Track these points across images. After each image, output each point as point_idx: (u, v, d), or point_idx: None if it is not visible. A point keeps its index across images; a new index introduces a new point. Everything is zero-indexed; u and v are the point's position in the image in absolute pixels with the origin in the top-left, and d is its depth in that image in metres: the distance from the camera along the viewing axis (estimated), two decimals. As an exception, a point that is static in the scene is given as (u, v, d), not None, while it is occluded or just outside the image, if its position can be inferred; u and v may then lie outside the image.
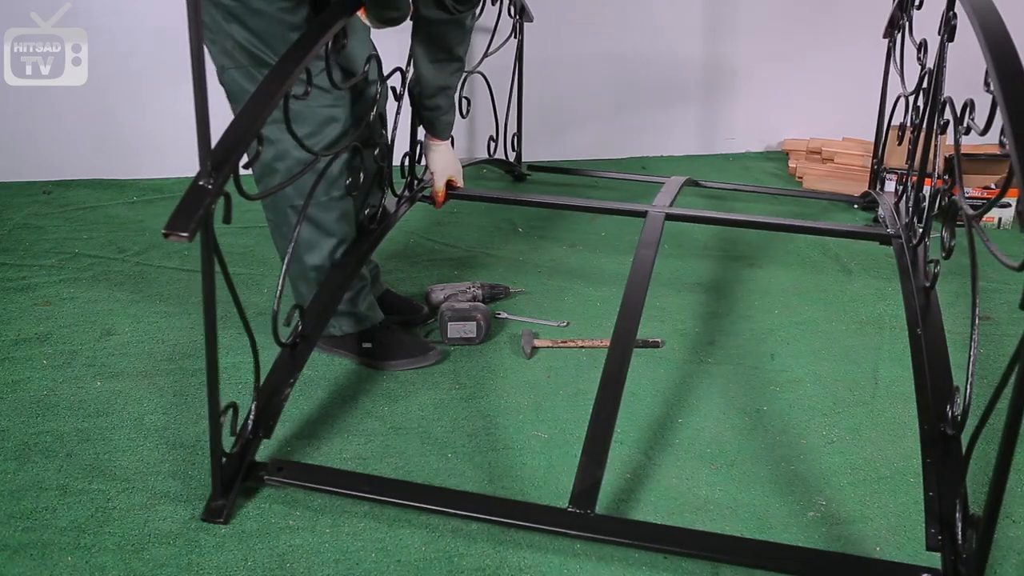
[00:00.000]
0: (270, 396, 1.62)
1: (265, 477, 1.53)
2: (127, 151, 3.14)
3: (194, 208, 1.24)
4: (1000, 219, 2.84)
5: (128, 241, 2.63)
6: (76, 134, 3.08)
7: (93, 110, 3.05)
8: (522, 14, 3.05)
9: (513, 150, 3.20)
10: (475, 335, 2.06)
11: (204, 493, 1.55)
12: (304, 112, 1.70)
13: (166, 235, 1.21)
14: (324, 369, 1.97)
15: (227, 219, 1.32)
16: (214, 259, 1.33)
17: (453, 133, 2.15)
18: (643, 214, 2.19)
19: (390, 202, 2.16)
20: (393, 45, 2.78)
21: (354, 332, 1.97)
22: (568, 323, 2.18)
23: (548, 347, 2.06)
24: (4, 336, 2.06)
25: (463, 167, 2.32)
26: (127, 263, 2.48)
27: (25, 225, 2.72)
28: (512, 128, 3.16)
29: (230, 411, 1.50)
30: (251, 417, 1.58)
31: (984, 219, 2.67)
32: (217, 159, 1.29)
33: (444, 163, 2.20)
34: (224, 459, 1.49)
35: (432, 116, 2.06)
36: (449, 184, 2.26)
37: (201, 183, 1.27)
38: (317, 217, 1.82)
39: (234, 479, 1.52)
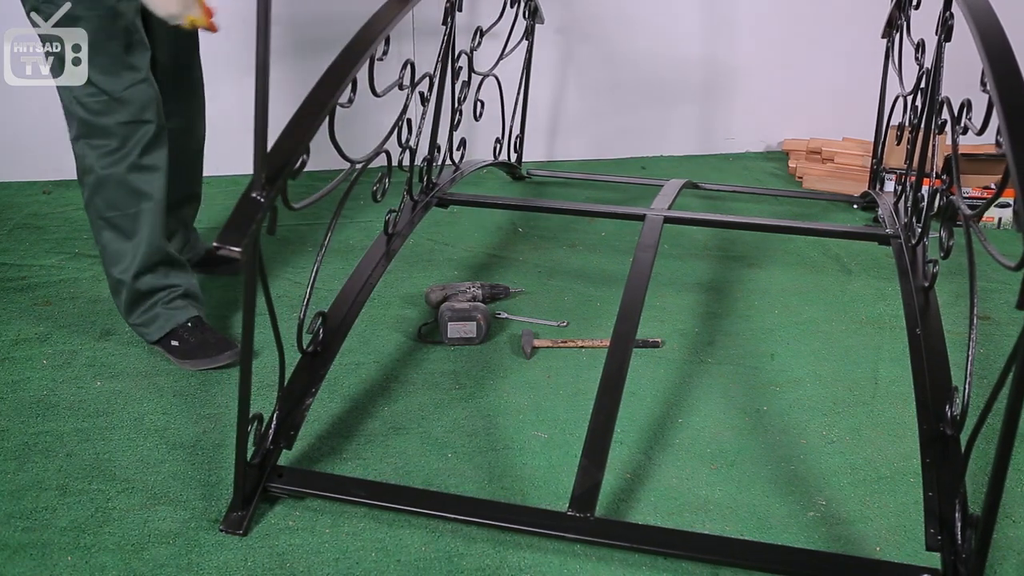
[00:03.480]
0: (292, 406, 1.60)
1: (266, 485, 1.52)
2: (127, 151, 3.13)
3: (247, 222, 1.20)
4: (1000, 219, 2.84)
5: (128, 241, 2.62)
6: (76, 134, 3.07)
7: (93, 110, 3.04)
8: (534, 16, 3.02)
9: (515, 151, 3.20)
10: (475, 335, 2.06)
11: (204, 493, 1.56)
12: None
13: (216, 249, 1.16)
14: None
15: (272, 230, 1.29)
16: (257, 273, 1.31)
17: (457, 134, 2.03)
18: (641, 218, 2.19)
19: (406, 207, 2.12)
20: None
21: (164, 335, 1.94)
22: (568, 323, 2.18)
23: (548, 347, 2.06)
24: (4, 336, 2.06)
25: (467, 172, 2.19)
26: (127, 263, 2.47)
27: (25, 225, 2.72)
28: (514, 130, 3.15)
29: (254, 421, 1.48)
30: (272, 427, 1.56)
31: (984, 219, 2.69)
32: (272, 171, 1.25)
33: None
34: (245, 469, 1.47)
35: None
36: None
37: (254, 195, 1.23)
38: (121, 226, 1.88)
39: (255, 490, 1.50)
